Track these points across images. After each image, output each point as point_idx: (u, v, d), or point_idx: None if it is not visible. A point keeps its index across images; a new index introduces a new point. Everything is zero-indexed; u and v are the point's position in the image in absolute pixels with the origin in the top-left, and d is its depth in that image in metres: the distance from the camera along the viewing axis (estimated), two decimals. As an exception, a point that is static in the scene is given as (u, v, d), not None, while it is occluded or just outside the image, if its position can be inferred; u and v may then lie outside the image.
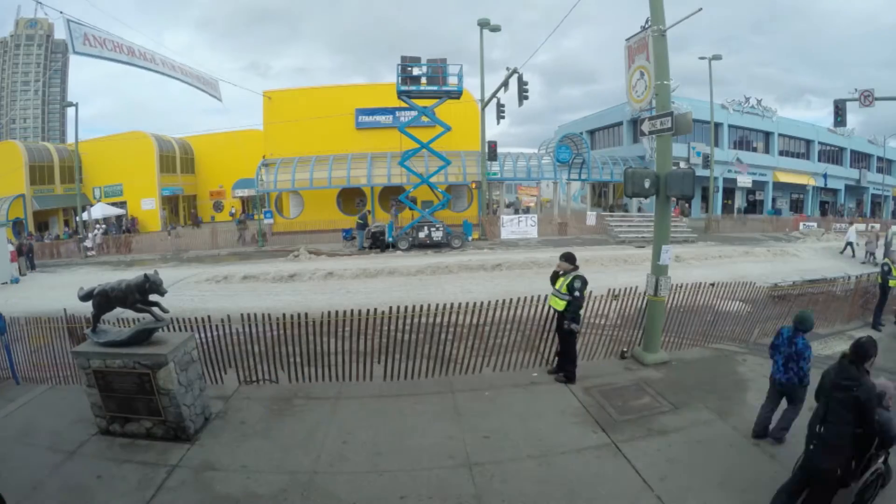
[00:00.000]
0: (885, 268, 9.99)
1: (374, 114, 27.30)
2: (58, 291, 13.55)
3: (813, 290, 10.34)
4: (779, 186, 37.11)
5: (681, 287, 7.66)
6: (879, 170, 41.03)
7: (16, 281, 17.21)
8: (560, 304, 6.21)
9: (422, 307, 6.68)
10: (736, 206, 36.07)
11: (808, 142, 38.02)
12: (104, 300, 5.11)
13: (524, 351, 6.91)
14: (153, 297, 5.12)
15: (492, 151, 23.93)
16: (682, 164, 26.96)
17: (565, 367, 6.37)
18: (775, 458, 4.57)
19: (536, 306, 6.74)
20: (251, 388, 6.36)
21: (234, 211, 36.49)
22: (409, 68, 20.00)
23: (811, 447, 3.57)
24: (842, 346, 8.61)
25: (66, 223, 33.91)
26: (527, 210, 36.21)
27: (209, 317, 6.27)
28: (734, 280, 9.00)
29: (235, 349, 6.39)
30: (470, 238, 23.18)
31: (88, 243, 23.60)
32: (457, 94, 20.85)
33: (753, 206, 36.94)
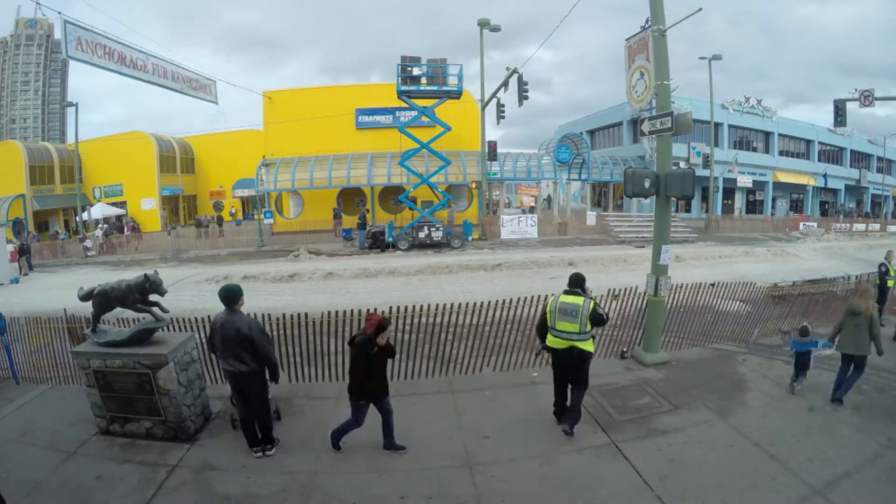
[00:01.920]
0: (883, 268, 9.99)
1: (374, 114, 27.28)
2: (58, 291, 13.55)
3: (813, 290, 10.32)
4: (779, 186, 37.10)
5: (681, 287, 7.66)
6: (879, 170, 41.01)
7: (16, 281, 17.21)
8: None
9: (422, 307, 6.68)
10: (736, 206, 36.07)
11: (808, 142, 38.02)
12: (104, 300, 5.12)
13: (524, 351, 6.91)
14: (153, 297, 5.14)
15: (492, 151, 23.92)
16: (682, 164, 26.93)
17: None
18: (775, 458, 4.58)
19: (536, 306, 6.73)
20: (251, 387, 6.34)
21: (233, 211, 36.53)
22: (409, 68, 19.97)
23: None
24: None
25: (66, 223, 33.91)
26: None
27: (209, 317, 6.23)
28: (734, 280, 9.00)
29: (235, 349, 6.37)
30: (470, 238, 23.17)
31: (89, 243, 23.60)
32: (457, 94, 20.83)
33: (753, 206, 36.94)
